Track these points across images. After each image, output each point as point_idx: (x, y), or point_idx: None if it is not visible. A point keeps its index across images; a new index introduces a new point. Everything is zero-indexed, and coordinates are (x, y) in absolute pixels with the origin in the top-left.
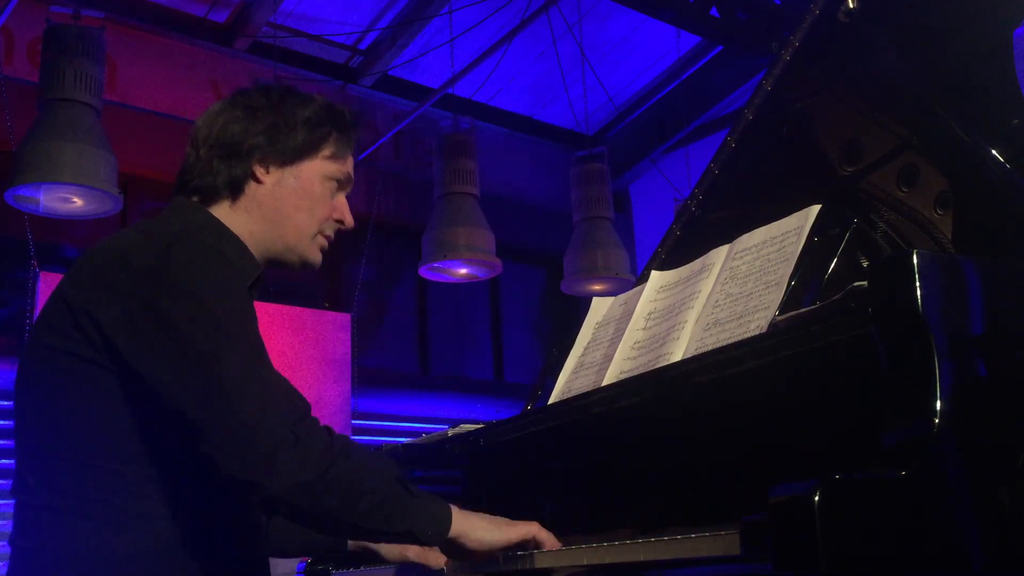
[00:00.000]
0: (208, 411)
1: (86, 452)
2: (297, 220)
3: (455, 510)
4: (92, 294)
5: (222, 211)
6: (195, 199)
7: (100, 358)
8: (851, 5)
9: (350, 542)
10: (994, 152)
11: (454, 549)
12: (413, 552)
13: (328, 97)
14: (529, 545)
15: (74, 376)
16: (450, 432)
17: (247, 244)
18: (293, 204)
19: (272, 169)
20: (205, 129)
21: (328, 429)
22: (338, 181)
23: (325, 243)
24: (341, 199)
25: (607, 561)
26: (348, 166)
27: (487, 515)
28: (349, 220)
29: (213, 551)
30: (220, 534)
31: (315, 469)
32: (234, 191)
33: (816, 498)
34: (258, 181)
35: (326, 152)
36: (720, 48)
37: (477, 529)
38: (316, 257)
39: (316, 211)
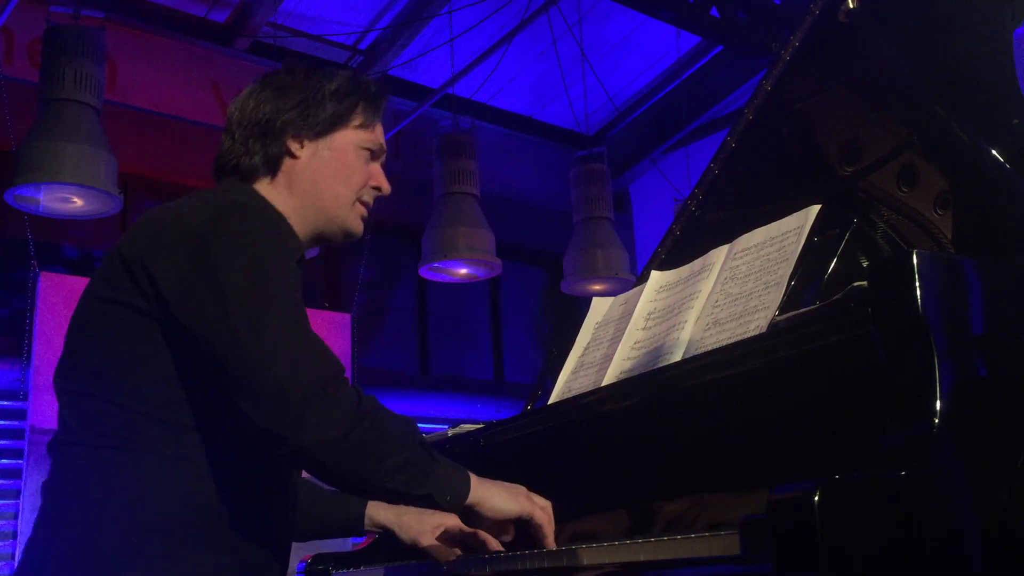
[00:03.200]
0: (244, 362)
1: (131, 398)
2: (335, 189)
3: (474, 477)
4: (147, 249)
5: (263, 189)
6: (232, 180)
7: (152, 309)
8: (851, 5)
9: (367, 522)
10: (994, 152)
11: (470, 515)
12: (425, 539)
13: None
14: (534, 522)
15: (125, 325)
16: (450, 432)
17: (291, 222)
18: (330, 174)
19: (306, 143)
20: (238, 113)
21: (357, 389)
22: (371, 151)
23: (364, 211)
24: (376, 167)
25: (607, 561)
26: (379, 135)
27: (505, 483)
28: (386, 187)
29: (244, 508)
30: (252, 492)
31: (342, 427)
32: (272, 168)
33: (816, 498)
34: (293, 156)
35: (356, 122)
36: (720, 48)
37: (494, 497)
38: (357, 225)
39: (352, 179)
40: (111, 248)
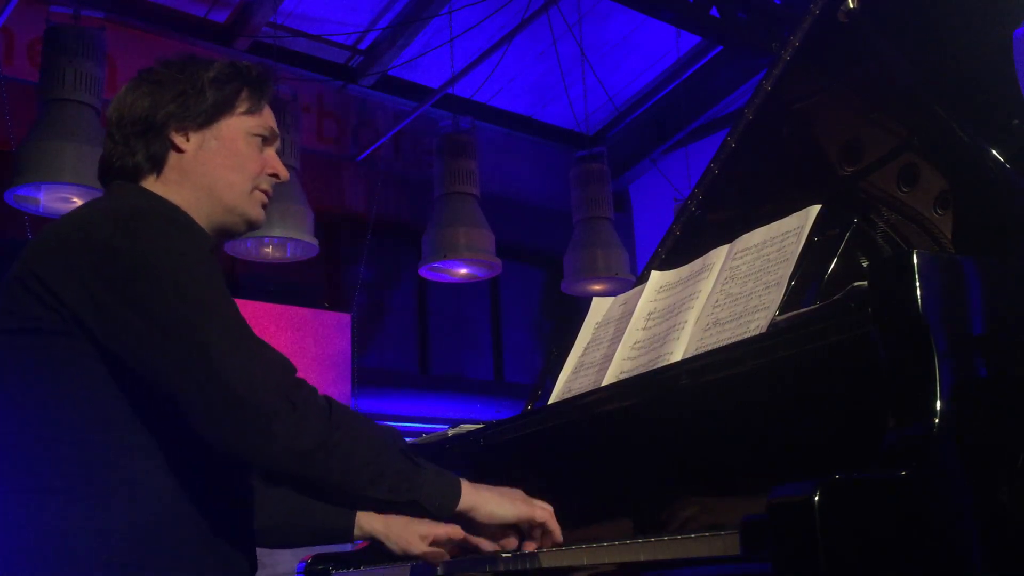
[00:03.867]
0: (195, 386)
1: (66, 431)
2: (228, 179)
3: (465, 483)
4: (50, 271)
5: (152, 187)
6: (120, 183)
7: (68, 332)
8: (851, 5)
9: (356, 530)
10: (994, 152)
11: (464, 522)
12: (416, 548)
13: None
14: (535, 529)
15: (43, 355)
16: (450, 432)
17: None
18: (221, 164)
19: (191, 135)
20: (116, 113)
21: (327, 398)
22: (262, 136)
23: (264, 199)
24: (270, 152)
25: (607, 561)
26: (268, 119)
27: (501, 488)
28: (283, 172)
29: (200, 526)
30: (207, 509)
31: (314, 437)
32: (157, 165)
33: (816, 498)
34: (179, 150)
35: (241, 108)
36: (720, 48)
37: (489, 503)
38: (258, 213)
39: (246, 167)
40: (7, 276)
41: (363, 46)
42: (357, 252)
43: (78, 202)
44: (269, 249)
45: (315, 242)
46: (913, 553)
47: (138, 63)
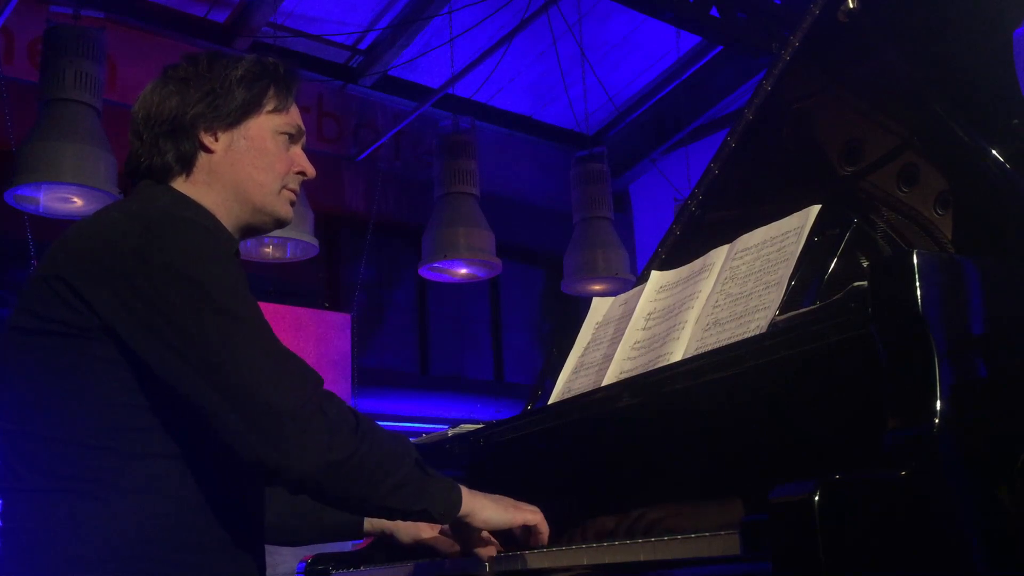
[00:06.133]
0: (225, 396)
1: (85, 432)
2: (257, 179)
3: (464, 490)
4: (78, 274)
5: (181, 188)
6: (148, 182)
7: (94, 332)
8: (851, 5)
9: (366, 525)
10: (994, 152)
11: (461, 527)
12: (425, 533)
13: (259, 55)
14: (528, 532)
15: (66, 355)
16: (450, 432)
17: (217, 217)
18: (250, 164)
19: (220, 135)
20: (143, 112)
21: (353, 411)
22: (289, 134)
23: (293, 197)
24: (297, 151)
25: (607, 561)
26: (295, 117)
27: (493, 495)
28: (311, 170)
29: (210, 531)
30: (217, 514)
31: (343, 450)
32: (186, 165)
33: (816, 498)
34: (208, 150)
35: (269, 107)
36: (720, 48)
37: (485, 509)
38: (287, 212)
39: (275, 166)
40: (32, 275)
41: (363, 46)
42: (357, 252)
43: (78, 202)
44: (269, 249)
45: (315, 242)
46: (913, 553)
47: (138, 63)
